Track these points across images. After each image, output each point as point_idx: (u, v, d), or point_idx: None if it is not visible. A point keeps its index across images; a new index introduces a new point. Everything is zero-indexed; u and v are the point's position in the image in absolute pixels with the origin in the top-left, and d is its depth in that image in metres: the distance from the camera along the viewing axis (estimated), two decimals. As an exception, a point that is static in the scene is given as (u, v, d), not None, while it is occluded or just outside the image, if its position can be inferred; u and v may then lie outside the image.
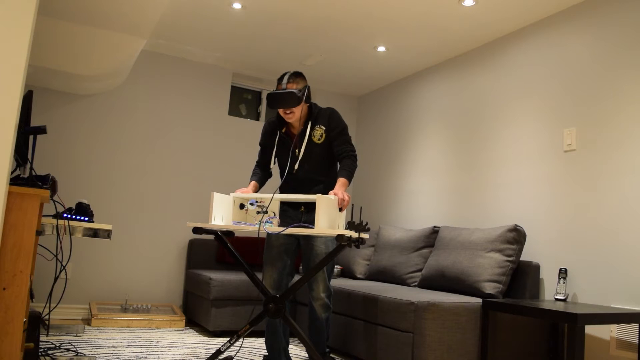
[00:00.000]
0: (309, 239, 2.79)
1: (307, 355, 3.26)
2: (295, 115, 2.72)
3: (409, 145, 4.56)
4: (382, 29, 3.81)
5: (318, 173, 2.82)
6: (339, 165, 2.84)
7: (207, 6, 3.65)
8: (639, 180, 2.77)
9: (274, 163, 2.94)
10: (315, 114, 2.81)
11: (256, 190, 2.85)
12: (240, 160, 4.82)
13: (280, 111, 2.76)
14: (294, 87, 2.69)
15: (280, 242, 2.80)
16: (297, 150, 2.80)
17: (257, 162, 2.99)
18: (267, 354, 2.86)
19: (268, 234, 2.79)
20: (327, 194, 2.80)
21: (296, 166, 2.79)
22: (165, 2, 3.13)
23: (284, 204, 2.90)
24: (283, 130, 2.85)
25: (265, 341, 2.83)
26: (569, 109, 3.19)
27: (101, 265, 4.27)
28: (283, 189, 2.91)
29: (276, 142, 2.85)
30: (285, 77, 2.71)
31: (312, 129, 2.79)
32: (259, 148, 3.00)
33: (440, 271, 3.31)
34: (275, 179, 3.03)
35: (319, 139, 2.79)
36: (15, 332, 1.76)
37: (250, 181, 2.87)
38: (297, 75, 2.74)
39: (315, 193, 2.79)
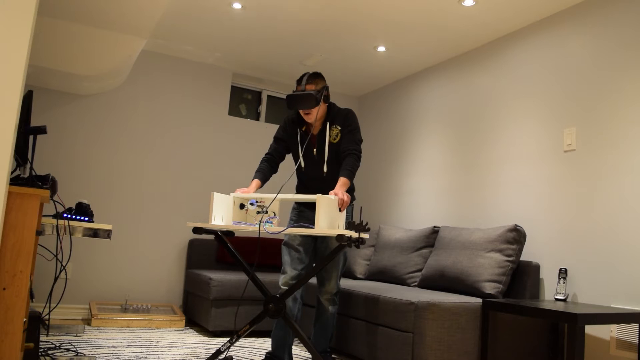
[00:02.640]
0: (325, 237, 2.85)
1: (307, 355, 3.26)
2: (313, 116, 2.76)
3: (409, 145, 4.56)
4: (382, 29, 3.81)
5: (332, 173, 2.85)
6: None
7: (207, 6, 3.65)
8: (639, 179, 2.77)
9: (287, 160, 2.95)
10: (333, 115, 2.85)
11: (259, 188, 2.85)
12: (240, 160, 4.81)
13: (300, 111, 2.80)
14: (312, 88, 2.73)
15: (298, 242, 2.83)
16: (314, 150, 2.84)
17: (267, 153, 2.97)
18: (269, 350, 2.85)
19: (286, 235, 2.83)
20: None
21: (325, 168, 2.83)
22: (165, 2, 3.13)
23: (299, 205, 2.93)
24: (303, 129, 2.89)
25: (272, 336, 2.83)
26: (568, 109, 3.19)
27: (101, 265, 4.27)
28: (299, 189, 2.97)
29: (298, 140, 2.88)
30: (304, 79, 2.75)
31: (329, 129, 2.83)
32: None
33: (440, 271, 3.31)
34: (277, 178, 3.03)
35: (334, 139, 2.83)
36: (15, 332, 1.76)
37: (253, 179, 2.87)
38: (316, 76, 2.78)
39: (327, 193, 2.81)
